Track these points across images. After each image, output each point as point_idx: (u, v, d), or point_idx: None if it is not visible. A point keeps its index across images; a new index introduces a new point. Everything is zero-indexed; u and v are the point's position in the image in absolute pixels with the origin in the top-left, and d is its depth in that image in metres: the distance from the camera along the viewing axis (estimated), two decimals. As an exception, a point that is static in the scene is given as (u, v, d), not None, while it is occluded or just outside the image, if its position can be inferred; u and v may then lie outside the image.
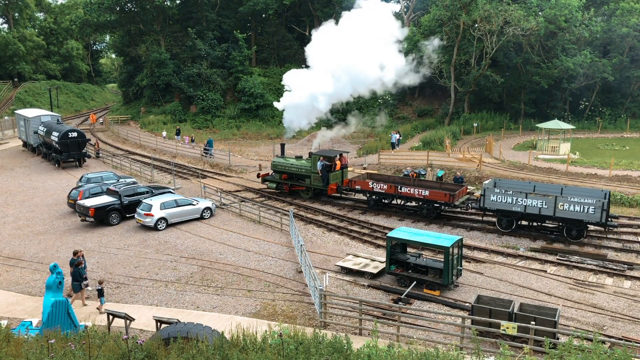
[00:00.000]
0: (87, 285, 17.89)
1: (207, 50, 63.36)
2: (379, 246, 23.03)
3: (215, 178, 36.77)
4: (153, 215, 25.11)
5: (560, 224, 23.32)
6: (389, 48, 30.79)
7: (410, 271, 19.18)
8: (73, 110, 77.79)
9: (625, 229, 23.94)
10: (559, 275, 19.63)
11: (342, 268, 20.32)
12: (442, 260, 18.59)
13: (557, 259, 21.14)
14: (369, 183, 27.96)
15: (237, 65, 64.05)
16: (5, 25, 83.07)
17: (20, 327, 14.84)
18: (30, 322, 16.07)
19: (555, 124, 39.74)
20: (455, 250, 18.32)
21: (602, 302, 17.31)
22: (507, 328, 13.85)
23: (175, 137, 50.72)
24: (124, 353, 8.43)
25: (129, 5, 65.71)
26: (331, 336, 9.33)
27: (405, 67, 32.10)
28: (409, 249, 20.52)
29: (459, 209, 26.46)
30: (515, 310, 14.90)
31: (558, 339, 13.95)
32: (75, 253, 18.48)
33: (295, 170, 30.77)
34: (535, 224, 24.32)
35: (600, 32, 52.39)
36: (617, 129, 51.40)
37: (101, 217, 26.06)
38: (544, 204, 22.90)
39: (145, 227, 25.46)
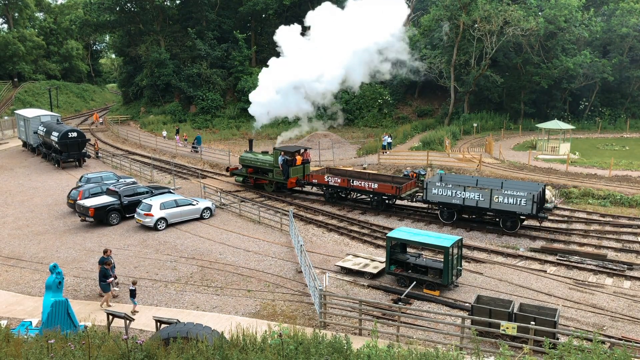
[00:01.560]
0: (117, 284, 17.78)
1: (207, 50, 63.38)
2: (378, 246, 23.03)
3: (215, 178, 36.76)
4: (153, 216, 25.10)
5: (496, 215, 24.47)
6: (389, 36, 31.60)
7: (410, 271, 19.17)
8: (73, 110, 77.80)
9: (625, 229, 23.95)
10: (558, 276, 19.63)
11: (342, 268, 20.32)
12: (442, 260, 18.59)
13: (557, 259, 21.14)
14: (325, 177, 29.48)
15: (237, 66, 64.07)
16: (5, 25, 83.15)
17: (20, 327, 14.84)
18: (30, 322, 16.07)
19: (555, 124, 39.75)
20: (455, 250, 18.32)
21: (601, 302, 17.31)
22: (507, 328, 13.85)
23: (175, 136, 50.88)
24: (123, 353, 8.43)
25: (128, 5, 65.72)
26: (331, 336, 9.33)
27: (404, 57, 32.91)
28: (408, 249, 20.52)
29: (406, 201, 27.95)
30: (515, 311, 14.90)
31: (558, 339, 13.95)
32: (105, 252, 18.47)
33: (260, 164, 32.48)
34: (474, 215, 25.66)
35: (600, 32, 52.42)
36: (617, 129, 51.42)
37: (101, 217, 26.06)
38: (480, 196, 24.19)
39: (145, 227, 25.46)
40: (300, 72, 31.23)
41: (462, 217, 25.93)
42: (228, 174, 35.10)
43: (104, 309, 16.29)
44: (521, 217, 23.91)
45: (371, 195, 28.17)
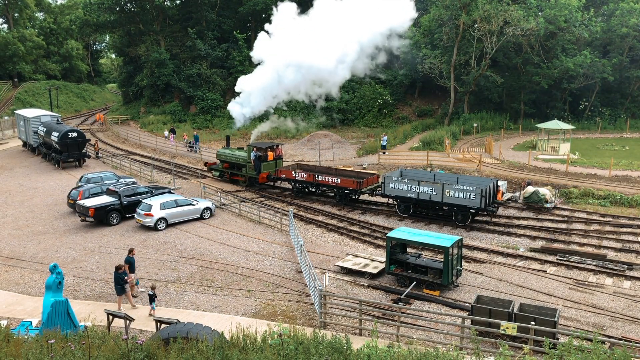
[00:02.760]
0: (123, 292, 17.38)
1: (207, 50, 63.37)
2: (378, 246, 23.03)
3: (215, 178, 36.75)
4: (153, 216, 25.10)
5: (448, 209, 25.72)
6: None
7: (410, 271, 19.18)
8: (73, 110, 77.79)
9: (625, 229, 23.95)
10: (558, 276, 19.63)
11: (342, 268, 20.32)
12: (442, 260, 18.60)
13: (557, 259, 21.14)
14: (292, 172, 30.80)
15: (237, 66, 64.02)
16: (5, 25, 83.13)
17: (20, 327, 14.84)
18: (30, 322, 16.07)
19: (555, 124, 39.74)
20: (455, 251, 18.32)
21: (601, 302, 17.31)
22: (507, 328, 13.85)
23: (171, 135, 51.17)
24: (123, 353, 8.43)
25: (128, 5, 65.71)
26: (331, 336, 9.34)
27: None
28: (408, 249, 20.52)
29: (367, 195, 29.23)
30: (515, 311, 14.90)
31: (558, 339, 13.95)
32: (130, 251, 18.38)
33: (235, 160, 34.08)
34: (429, 209, 26.75)
35: (600, 32, 52.39)
36: (617, 129, 51.40)
37: (101, 217, 26.06)
38: (433, 190, 25.57)
39: (145, 227, 25.46)
40: (305, 50, 31.91)
41: (417, 210, 27.00)
42: (206, 168, 36.94)
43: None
44: (471, 210, 24.89)
45: (335, 190, 29.43)
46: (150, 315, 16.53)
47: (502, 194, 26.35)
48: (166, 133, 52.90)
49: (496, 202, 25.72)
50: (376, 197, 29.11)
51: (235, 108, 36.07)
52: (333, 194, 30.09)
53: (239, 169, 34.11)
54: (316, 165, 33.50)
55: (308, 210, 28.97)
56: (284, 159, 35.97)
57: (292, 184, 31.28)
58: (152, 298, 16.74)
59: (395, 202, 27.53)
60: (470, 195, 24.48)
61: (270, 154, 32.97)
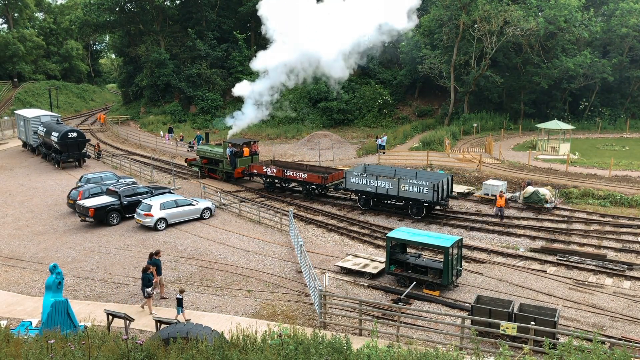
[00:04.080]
0: (149, 296, 16.98)
1: (206, 50, 63.37)
2: (378, 246, 23.02)
3: (214, 178, 36.74)
4: (153, 216, 25.10)
5: (404, 202, 26.93)
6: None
7: (409, 271, 19.18)
8: (73, 111, 77.80)
9: (625, 229, 23.95)
10: (558, 276, 19.63)
11: (342, 268, 20.32)
12: (442, 260, 18.59)
13: (557, 259, 21.14)
14: (263, 167, 32.13)
15: (237, 66, 64.06)
16: (5, 26, 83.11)
17: (20, 327, 14.84)
18: (30, 322, 16.06)
19: (554, 124, 39.74)
20: (455, 251, 18.32)
21: (601, 303, 17.31)
22: (507, 328, 13.84)
23: (167, 134, 51.22)
24: (123, 353, 8.43)
25: (128, 5, 65.70)
26: (331, 336, 9.34)
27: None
28: (408, 249, 20.52)
29: (336, 190, 30.40)
30: (514, 311, 14.90)
31: (558, 339, 13.95)
32: (156, 253, 17.94)
33: (213, 156, 35.50)
34: (386, 202, 28.08)
35: (599, 32, 52.35)
36: (617, 129, 51.38)
37: (101, 218, 26.05)
38: (390, 185, 26.69)
39: (145, 228, 25.45)
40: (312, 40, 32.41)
41: (377, 203, 28.15)
42: (187, 164, 38.43)
43: (152, 316, 15.78)
44: (425, 204, 26.06)
45: (302, 185, 30.86)
46: (176, 319, 15.87)
47: (504, 198, 26.04)
48: (162, 133, 53.26)
49: (450, 196, 27.01)
50: (340, 191, 30.34)
51: (233, 122, 37.87)
52: (301, 189, 31.52)
53: (216, 164, 35.52)
54: (288, 162, 34.98)
55: (308, 210, 28.96)
56: (287, 158, 36.57)
57: (264, 179, 32.84)
58: (180, 302, 16.25)
59: (356, 196, 28.81)
60: (423, 189, 25.70)
61: (246, 150, 34.43)
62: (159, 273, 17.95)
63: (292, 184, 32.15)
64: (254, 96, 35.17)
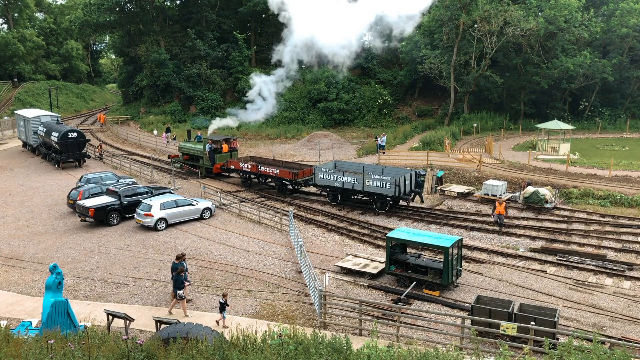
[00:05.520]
0: (182, 298, 16.60)
1: (206, 50, 63.36)
2: (378, 246, 23.02)
3: (214, 178, 36.76)
4: (153, 216, 25.10)
5: (369, 197, 27.98)
6: None
7: (409, 271, 19.17)
8: (73, 111, 77.78)
9: (625, 229, 23.95)
10: (558, 276, 19.63)
11: (342, 268, 20.32)
12: (442, 260, 18.59)
13: (557, 259, 21.14)
14: (239, 163, 33.58)
15: (236, 66, 64.05)
16: (5, 26, 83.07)
17: (20, 327, 14.84)
18: (30, 322, 16.06)
19: (554, 124, 39.74)
20: (455, 251, 18.32)
21: (601, 303, 17.31)
22: (507, 328, 13.84)
23: (163, 134, 51.22)
24: (123, 353, 8.43)
25: (128, 5, 65.70)
26: (331, 336, 9.34)
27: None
28: (408, 249, 20.52)
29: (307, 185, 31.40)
30: (514, 311, 14.90)
31: (558, 339, 13.95)
32: (178, 257, 17.54)
33: (194, 152, 36.98)
34: (353, 197, 29.23)
35: (599, 32, 52.37)
36: (617, 129, 51.40)
37: (101, 218, 26.05)
38: (355, 180, 27.78)
39: (145, 228, 25.45)
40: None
41: (345, 197, 29.18)
42: (170, 160, 39.31)
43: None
44: (387, 198, 27.23)
45: (275, 180, 32.12)
46: (217, 324, 15.72)
47: (504, 205, 25.05)
48: (155, 132, 53.55)
49: (414, 191, 28.01)
50: (310, 186, 31.35)
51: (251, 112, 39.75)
52: (274, 184, 32.75)
53: (197, 160, 36.80)
54: (266, 158, 36.15)
55: (308, 210, 28.97)
56: (287, 158, 37.02)
57: (240, 174, 34.26)
58: (223, 306, 15.80)
59: (325, 192, 29.92)
60: (386, 184, 26.70)
61: (225, 146, 35.73)
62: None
63: (268, 180, 33.22)
64: (267, 87, 36.90)
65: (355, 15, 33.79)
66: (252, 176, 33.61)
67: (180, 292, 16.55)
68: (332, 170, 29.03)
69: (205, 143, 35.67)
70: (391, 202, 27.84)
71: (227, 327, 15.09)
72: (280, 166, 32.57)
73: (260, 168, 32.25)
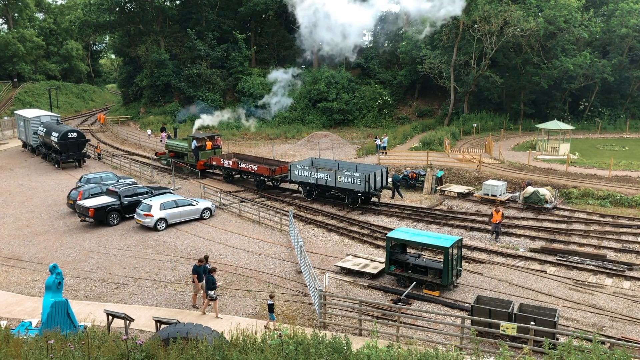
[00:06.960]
0: (214, 298, 16.39)
1: (206, 50, 63.37)
2: (378, 247, 23.02)
3: (214, 178, 36.77)
4: (152, 216, 25.10)
5: (342, 192, 28.98)
6: None
7: (409, 271, 19.17)
8: (73, 111, 77.77)
9: (625, 230, 23.95)
10: (558, 276, 19.63)
11: (342, 268, 20.32)
12: (442, 260, 18.59)
13: (557, 259, 21.14)
14: (221, 160, 34.70)
15: (236, 66, 64.06)
16: (5, 26, 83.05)
17: (20, 327, 14.83)
18: (30, 322, 16.06)
19: (554, 124, 39.74)
20: (455, 251, 18.32)
21: (601, 303, 17.31)
22: (507, 328, 13.84)
23: (161, 133, 51.21)
24: (123, 353, 8.42)
25: (128, 5, 65.69)
26: (331, 336, 9.33)
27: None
28: (408, 250, 20.52)
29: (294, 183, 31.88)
30: (514, 311, 14.90)
31: (557, 339, 13.95)
32: (200, 260, 17.43)
33: (179, 149, 38.14)
34: (326, 192, 30.04)
35: (599, 32, 52.37)
36: (617, 129, 51.41)
37: (101, 218, 26.05)
38: (328, 177, 28.70)
39: (145, 228, 25.45)
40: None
41: (319, 193, 30.08)
42: (157, 157, 40.65)
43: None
44: (358, 194, 27.97)
45: (254, 176, 33.16)
46: (266, 327, 15.23)
47: (501, 212, 23.84)
48: (149, 131, 53.67)
49: (385, 187, 29.01)
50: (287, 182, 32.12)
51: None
52: (253, 180, 33.85)
53: (182, 157, 37.91)
54: (248, 155, 37.24)
55: (308, 210, 28.98)
56: (287, 158, 37.27)
57: (222, 170, 35.46)
58: (271, 308, 15.54)
59: (300, 188, 31.07)
60: (356, 180, 27.52)
61: (209, 144, 36.81)
62: (199, 280, 17.26)
63: (248, 176, 34.29)
64: (285, 81, 38.79)
65: (361, 14, 34.82)
66: (234, 172, 34.74)
67: (212, 292, 16.39)
68: (307, 167, 29.79)
69: (190, 140, 36.62)
70: (363, 198, 28.54)
71: (278, 330, 14.06)
72: (259, 163, 33.86)
73: (240, 165, 33.37)
